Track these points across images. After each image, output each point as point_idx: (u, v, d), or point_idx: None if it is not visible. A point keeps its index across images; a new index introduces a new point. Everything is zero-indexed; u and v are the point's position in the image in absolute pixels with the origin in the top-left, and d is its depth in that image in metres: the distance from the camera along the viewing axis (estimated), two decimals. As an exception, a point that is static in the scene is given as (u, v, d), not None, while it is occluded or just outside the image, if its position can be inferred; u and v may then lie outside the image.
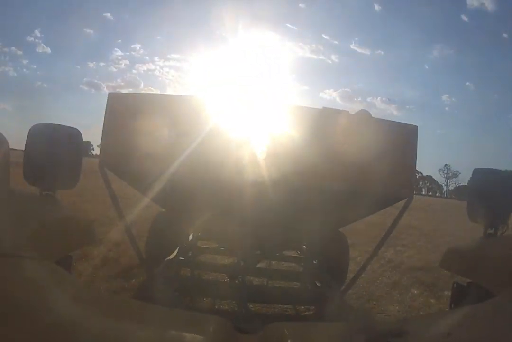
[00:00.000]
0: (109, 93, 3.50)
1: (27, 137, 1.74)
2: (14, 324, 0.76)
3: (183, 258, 4.09)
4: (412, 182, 3.65)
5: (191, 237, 4.06)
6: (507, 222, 1.67)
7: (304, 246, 4.73)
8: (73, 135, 1.87)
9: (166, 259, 4.17)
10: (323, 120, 3.59)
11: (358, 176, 3.50)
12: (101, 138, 3.50)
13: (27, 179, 1.71)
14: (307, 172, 3.51)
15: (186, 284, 3.65)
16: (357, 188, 3.45)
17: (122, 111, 3.51)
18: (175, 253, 4.16)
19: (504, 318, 0.95)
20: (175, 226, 4.61)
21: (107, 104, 3.46)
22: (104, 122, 3.47)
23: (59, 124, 1.87)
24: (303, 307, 3.97)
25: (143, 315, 0.94)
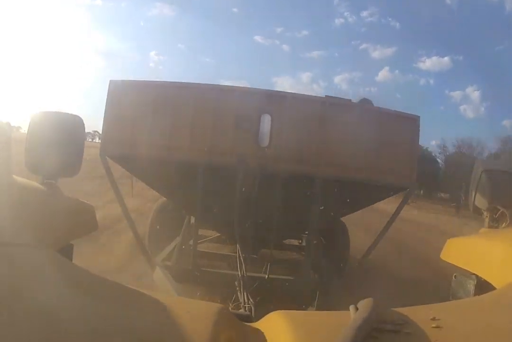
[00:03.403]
0: (110, 81, 3.48)
1: (28, 125, 1.72)
2: (15, 312, 0.76)
3: (183, 247, 4.10)
4: (413, 172, 3.64)
5: (192, 225, 4.06)
6: (509, 214, 1.66)
7: (305, 235, 4.74)
8: (75, 122, 1.85)
9: (167, 248, 4.18)
10: (325, 108, 3.57)
11: (360, 165, 3.49)
12: (102, 126, 3.49)
13: (29, 166, 1.69)
14: (309, 160, 3.50)
15: (186, 273, 3.67)
16: (359, 177, 3.44)
17: (124, 99, 3.49)
18: (176, 242, 4.17)
19: (505, 311, 0.94)
20: (176, 214, 4.61)
21: (108, 92, 3.44)
22: (105, 110, 3.46)
23: (61, 112, 1.86)
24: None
25: (143, 302, 0.93)
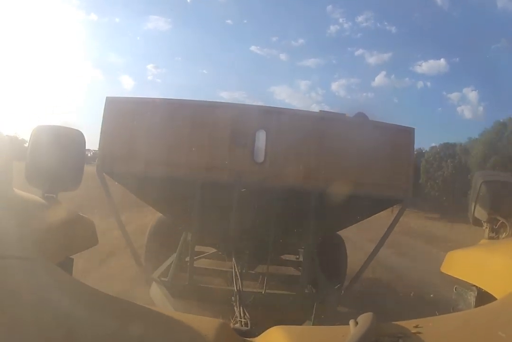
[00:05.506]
0: (106, 97, 3.51)
1: (29, 139, 1.73)
2: (15, 325, 0.76)
3: (180, 263, 4.07)
4: (409, 184, 3.66)
5: (189, 241, 4.05)
6: (509, 225, 1.67)
7: (302, 250, 4.72)
8: (75, 137, 1.86)
9: (163, 264, 4.15)
10: (320, 123, 3.62)
11: (356, 179, 3.51)
12: (99, 143, 3.49)
13: (30, 180, 1.70)
14: (305, 175, 3.52)
15: (183, 289, 3.64)
16: (354, 190, 3.45)
17: (120, 115, 3.51)
18: (172, 258, 4.14)
19: (506, 321, 0.95)
20: (173, 231, 4.59)
21: (104, 109, 3.46)
22: (102, 127, 3.47)
23: (63, 126, 1.88)
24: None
25: (144, 317, 0.93)
